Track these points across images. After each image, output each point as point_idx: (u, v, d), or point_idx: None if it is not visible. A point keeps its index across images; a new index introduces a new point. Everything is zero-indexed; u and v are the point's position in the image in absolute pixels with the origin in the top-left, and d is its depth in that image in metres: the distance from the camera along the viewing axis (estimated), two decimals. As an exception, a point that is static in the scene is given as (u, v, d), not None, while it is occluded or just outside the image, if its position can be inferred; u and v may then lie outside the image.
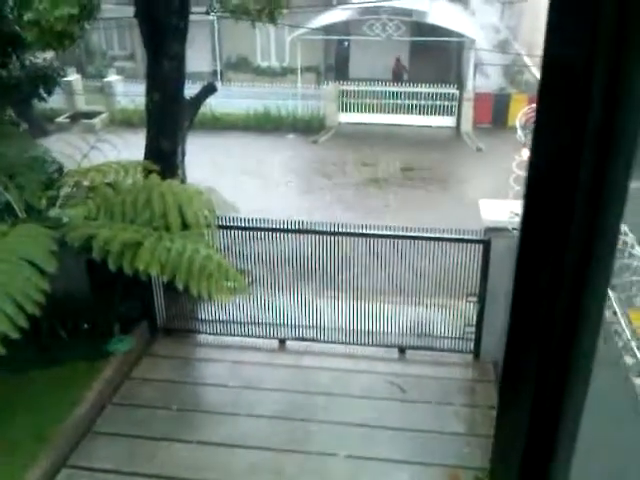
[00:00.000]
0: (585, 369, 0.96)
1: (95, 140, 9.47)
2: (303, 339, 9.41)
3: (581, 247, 0.87)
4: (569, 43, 0.80)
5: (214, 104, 19.22)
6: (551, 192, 0.86)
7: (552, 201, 0.86)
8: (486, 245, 8.47)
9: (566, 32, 0.80)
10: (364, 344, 9.27)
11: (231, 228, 9.05)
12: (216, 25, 24.75)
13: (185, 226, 8.10)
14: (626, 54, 0.77)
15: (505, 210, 8.23)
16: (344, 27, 24.10)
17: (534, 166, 0.86)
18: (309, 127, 21.83)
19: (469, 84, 22.50)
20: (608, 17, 0.75)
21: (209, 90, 11.39)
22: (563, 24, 0.80)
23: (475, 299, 8.76)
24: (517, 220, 8.02)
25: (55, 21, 7.91)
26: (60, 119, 22.03)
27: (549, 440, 1.00)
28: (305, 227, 9.03)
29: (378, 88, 22.19)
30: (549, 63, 0.83)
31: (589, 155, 0.81)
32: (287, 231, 8.99)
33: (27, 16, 8.73)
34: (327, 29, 23.25)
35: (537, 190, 0.87)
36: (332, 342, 9.33)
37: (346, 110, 22.44)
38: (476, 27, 25.21)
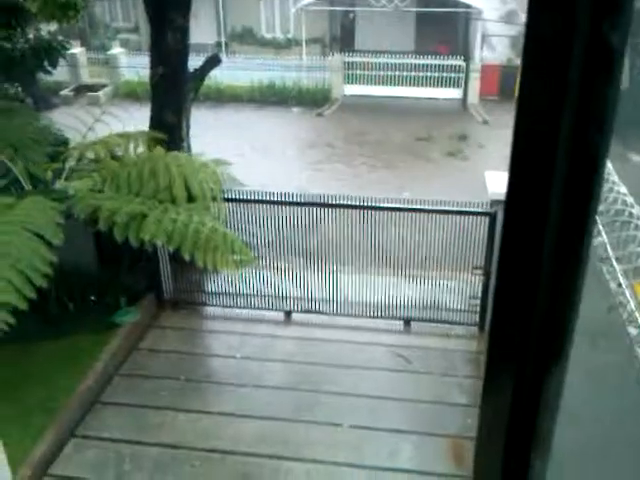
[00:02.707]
0: (567, 339, 0.97)
1: (100, 113, 9.44)
2: (308, 311, 9.46)
3: (560, 221, 0.88)
4: (550, 13, 0.80)
5: (218, 76, 19.12)
6: (531, 165, 0.86)
7: (531, 172, 0.87)
8: (492, 217, 8.45)
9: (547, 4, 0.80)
10: (369, 316, 9.32)
11: (236, 201, 9.06)
12: (220, -4, 24.50)
13: (191, 199, 8.11)
14: (604, 20, 0.77)
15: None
16: (350, -3, 23.83)
17: (517, 135, 0.87)
18: (314, 99, 21.70)
19: (476, 55, 22.28)
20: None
21: (213, 62, 11.31)
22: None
23: (481, 272, 8.77)
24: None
25: (58, -8, 7.85)
26: (64, 92, 21.96)
27: (533, 410, 1.02)
28: (309, 199, 9.01)
29: (384, 60, 21.99)
30: (531, 37, 0.83)
31: (568, 124, 0.82)
32: (291, 204, 8.98)
33: (30, -13, 8.67)
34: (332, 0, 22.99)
35: (519, 163, 0.88)
36: (337, 314, 9.38)
37: (352, 82, 22.27)
38: (483, -3, 24.85)
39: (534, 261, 0.90)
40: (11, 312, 6.19)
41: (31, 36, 14.75)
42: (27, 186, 8.40)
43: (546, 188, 0.85)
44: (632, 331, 9.24)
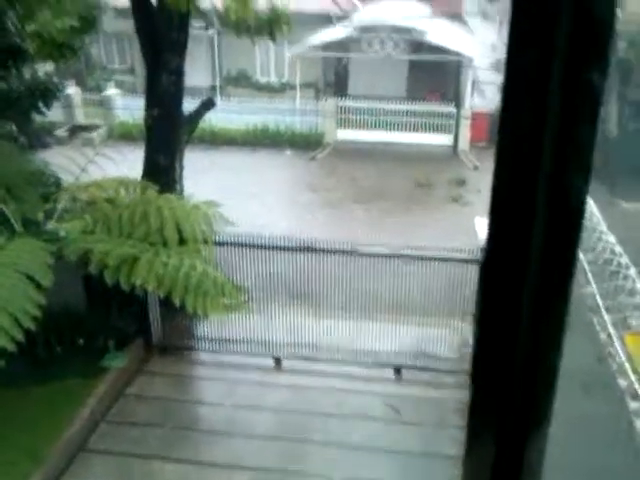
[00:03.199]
0: (550, 385, 0.96)
1: (94, 154, 9.46)
2: (299, 358, 9.35)
3: (540, 268, 0.87)
4: (529, 45, 0.81)
5: (213, 119, 19.25)
6: (512, 200, 0.85)
7: (513, 210, 0.86)
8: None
9: (526, 35, 0.81)
10: (360, 363, 9.22)
11: (228, 244, 9.02)
12: (215, 40, 24.84)
13: (182, 241, 8.07)
14: (581, 52, 0.78)
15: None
16: (343, 44, 24.19)
17: (497, 179, 0.86)
18: (307, 143, 21.86)
19: (467, 102, 22.59)
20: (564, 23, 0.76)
21: (208, 105, 11.41)
22: (523, 28, 0.81)
23: (472, 319, 8.73)
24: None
25: (57, 33, 7.93)
26: (59, 132, 22.04)
27: (516, 467, 1.00)
28: (300, 244, 9.00)
29: (376, 105, 22.25)
30: (511, 71, 0.84)
31: (548, 165, 0.81)
32: (281, 248, 8.97)
33: (29, 27, 8.75)
34: (326, 46, 23.34)
35: (500, 203, 0.87)
36: (327, 361, 9.27)
37: (344, 126, 22.49)
38: (474, 45, 25.33)
39: (514, 313, 0.89)
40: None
41: (27, 76, 14.85)
42: (18, 227, 8.34)
43: (527, 232, 0.84)
44: (622, 383, 9.18)
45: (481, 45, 26.03)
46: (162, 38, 9.81)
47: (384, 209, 16.95)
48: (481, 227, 8.75)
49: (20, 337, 6.37)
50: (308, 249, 8.93)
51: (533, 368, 0.92)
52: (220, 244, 8.83)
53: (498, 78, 25.76)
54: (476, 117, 22.06)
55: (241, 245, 9.04)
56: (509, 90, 0.85)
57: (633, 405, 8.67)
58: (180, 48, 10.06)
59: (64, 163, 9.49)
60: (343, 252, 8.93)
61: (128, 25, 11.08)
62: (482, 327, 0.94)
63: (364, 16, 24.41)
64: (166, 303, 8.14)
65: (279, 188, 18.36)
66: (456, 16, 27.33)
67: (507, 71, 0.84)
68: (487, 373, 0.98)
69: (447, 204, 17.21)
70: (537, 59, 0.80)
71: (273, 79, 26.46)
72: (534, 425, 0.97)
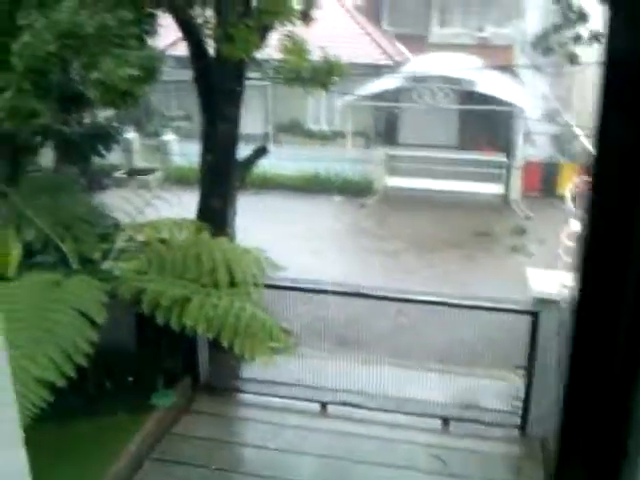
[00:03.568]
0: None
1: (150, 196, 9.73)
2: (345, 404, 9.28)
3: (634, 322, 0.88)
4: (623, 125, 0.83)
5: (266, 165, 19.64)
6: (604, 266, 0.87)
7: (605, 274, 0.87)
8: (534, 317, 8.32)
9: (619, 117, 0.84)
10: (407, 413, 9.09)
11: (277, 288, 9.11)
12: (269, 89, 25.47)
13: (232, 284, 8.20)
14: None
15: (554, 281, 8.12)
16: (394, 94, 24.53)
17: (589, 239, 0.88)
18: (357, 190, 22.06)
19: (518, 152, 22.54)
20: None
21: (261, 152, 11.67)
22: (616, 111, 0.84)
23: (523, 372, 8.55)
24: (566, 292, 7.89)
25: (119, 81, 8.28)
26: (117, 174, 22.76)
27: None
28: (349, 291, 9.04)
29: (426, 153, 22.38)
30: (602, 142, 0.86)
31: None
32: (331, 293, 9.01)
33: (93, 76, 9.17)
34: (377, 95, 23.70)
35: (592, 264, 0.88)
36: (374, 409, 9.17)
37: (394, 174, 22.64)
38: (525, 96, 25.36)
39: (606, 359, 0.89)
40: (50, 390, 6.24)
41: (87, 121, 15.46)
42: (75, 265, 8.60)
43: (621, 282, 0.85)
44: None
45: (532, 96, 26.05)
46: (219, 87, 10.13)
47: (442, 258, 16.86)
48: (533, 278, 8.63)
49: (71, 373, 6.52)
50: (357, 295, 8.94)
51: (625, 407, 0.91)
52: (269, 287, 8.92)
53: (549, 128, 25.67)
54: (528, 167, 21.98)
55: (290, 289, 9.12)
56: (602, 150, 0.86)
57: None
58: (236, 97, 10.37)
59: (121, 204, 9.79)
60: (393, 299, 8.92)
61: (186, 74, 11.48)
62: (573, 373, 0.93)
63: (415, 67, 24.78)
64: (214, 344, 8.22)
65: (330, 234, 18.50)
66: (507, 68, 27.49)
67: (599, 138, 0.86)
68: (579, 415, 0.97)
69: (509, 254, 16.89)
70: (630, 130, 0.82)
71: (324, 127, 26.91)
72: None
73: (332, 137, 26.19)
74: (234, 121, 10.47)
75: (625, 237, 0.85)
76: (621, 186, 0.84)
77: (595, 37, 17.87)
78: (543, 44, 19.05)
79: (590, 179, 0.89)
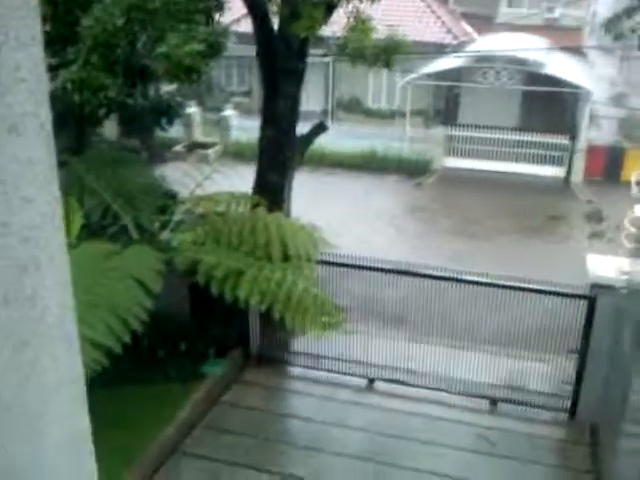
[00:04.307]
0: None
1: (209, 170, 9.91)
2: (392, 381, 9.35)
3: None
4: None
5: (324, 142, 19.67)
6: None
7: None
8: (591, 301, 8.18)
9: None
10: (455, 392, 9.10)
11: (330, 264, 9.18)
12: (331, 67, 25.41)
13: (286, 259, 8.31)
14: None
15: (613, 267, 7.95)
16: (456, 73, 24.14)
17: None
18: (414, 169, 21.89)
19: (582, 136, 21.94)
20: None
21: (320, 129, 11.69)
22: None
23: (575, 356, 8.44)
24: (626, 278, 7.73)
25: (185, 56, 8.40)
26: (177, 148, 23.17)
27: None
28: (402, 268, 9.03)
29: (486, 134, 22.01)
30: None
31: None
32: (383, 271, 9.03)
33: (159, 50, 9.34)
34: (439, 75, 23.37)
35: None
36: (422, 387, 9.21)
37: (452, 154, 22.37)
38: (593, 79, 24.59)
39: None
40: (105, 354, 6.47)
41: (152, 94, 15.76)
42: (135, 235, 8.86)
43: None
44: None
45: (600, 79, 25.23)
46: (281, 64, 10.18)
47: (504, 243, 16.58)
48: (592, 263, 8.47)
49: (128, 340, 6.74)
50: (408, 273, 8.94)
51: None
52: (322, 263, 9.00)
53: (616, 112, 24.86)
54: (592, 150, 21.39)
55: (342, 265, 9.17)
56: None
57: None
58: (298, 74, 10.39)
59: (181, 177, 10.01)
60: (444, 279, 8.88)
61: (249, 50, 11.57)
62: None
63: (480, 46, 24.28)
64: (266, 316, 8.37)
65: (386, 212, 18.44)
66: (575, 50, 26.67)
67: None
68: None
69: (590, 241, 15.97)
70: None
71: (384, 106, 26.73)
72: None
73: (391, 116, 26.01)
74: (294, 98, 10.51)
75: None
76: None
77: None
78: (614, 28, 18.43)
79: None
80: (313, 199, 16.82)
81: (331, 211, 16.86)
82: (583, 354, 8.34)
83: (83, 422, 1.70)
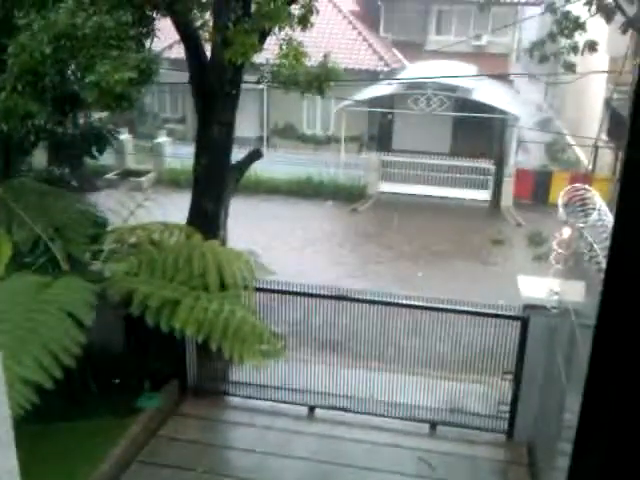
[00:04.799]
0: None
1: (142, 198, 9.75)
2: (332, 408, 9.29)
3: None
4: None
5: (259, 168, 19.66)
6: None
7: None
8: (524, 322, 8.36)
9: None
10: (394, 417, 9.12)
11: (267, 291, 9.12)
12: (265, 93, 25.52)
13: (223, 287, 8.20)
14: None
15: (544, 288, 8.15)
16: (389, 100, 24.62)
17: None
18: (350, 195, 22.09)
19: (511, 160, 22.64)
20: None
21: (255, 155, 11.68)
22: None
23: (510, 377, 8.59)
24: (556, 298, 7.93)
25: (115, 84, 8.27)
26: (109, 176, 22.72)
27: None
28: (338, 294, 9.04)
29: (420, 160, 22.46)
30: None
31: None
32: (321, 297, 9.02)
33: (89, 77, 9.17)
34: (372, 101, 23.76)
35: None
36: (362, 413, 9.19)
37: (387, 180, 22.70)
38: (520, 105, 25.49)
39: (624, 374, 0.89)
40: (36, 391, 6.22)
41: (82, 122, 15.45)
42: (64, 266, 8.59)
43: None
44: None
45: (527, 104, 26.15)
46: (215, 90, 10.14)
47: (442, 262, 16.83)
48: (524, 285, 8.66)
49: (59, 375, 6.50)
50: (345, 298, 8.95)
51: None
52: (259, 290, 8.93)
53: (542, 136, 25.80)
54: (520, 174, 22.09)
55: (279, 292, 9.12)
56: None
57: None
58: (232, 101, 10.37)
59: (113, 206, 9.81)
60: (381, 303, 8.93)
61: (182, 76, 11.49)
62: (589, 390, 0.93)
63: (411, 73, 24.86)
64: (203, 347, 8.22)
65: (321, 239, 18.49)
66: (502, 76, 27.62)
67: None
68: (593, 431, 0.97)
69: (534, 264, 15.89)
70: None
71: (319, 132, 26.97)
72: None
73: (326, 142, 26.25)
74: (229, 124, 10.48)
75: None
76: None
77: (591, 47, 18.01)
78: (539, 53, 19.15)
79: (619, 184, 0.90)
80: (249, 226, 16.75)
81: (267, 238, 16.81)
82: (518, 374, 8.49)
83: (10, 461, 1.62)
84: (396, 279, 15.33)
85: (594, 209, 6.96)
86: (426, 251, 17.63)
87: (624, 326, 0.89)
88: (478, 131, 23.97)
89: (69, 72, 11.91)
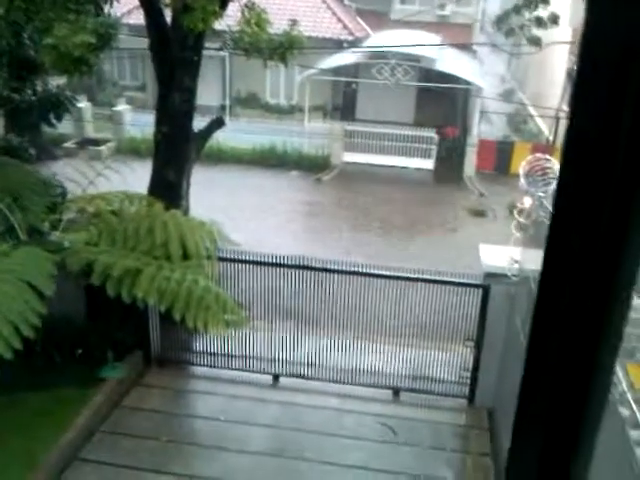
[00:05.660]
0: (596, 418, 0.98)
1: (102, 167, 9.56)
2: (297, 376, 9.36)
3: (598, 296, 0.90)
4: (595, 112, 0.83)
5: (221, 138, 19.43)
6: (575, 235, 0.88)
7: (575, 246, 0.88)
8: (485, 290, 8.49)
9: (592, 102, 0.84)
10: (358, 384, 9.23)
11: (230, 261, 9.08)
12: (227, 61, 25.14)
13: (186, 256, 8.13)
14: None
15: (505, 256, 8.27)
16: (353, 69, 24.47)
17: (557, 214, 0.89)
18: (313, 165, 22.02)
19: (474, 130, 22.77)
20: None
21: (217, 124, 11.52)
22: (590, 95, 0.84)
23: (472, 343, 8.74)
24: (516, 267, 8.06)
25: (73, 47, 8.05)
26: (68, 144, 22.24)
27: None
28: (302, 263, 9.04)
29: (383, 130, 22.44)
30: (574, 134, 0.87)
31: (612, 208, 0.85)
32: (285, 266, 9.01)
33: (46, 41, 8.90)
34: (336, 70, 23.60)
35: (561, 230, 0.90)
36: (326, 380, 9.28)
37: (351, 150, 22.66)
38: (483, 76, 25.57)
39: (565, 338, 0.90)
40: (-3, 361, 6.14)
41: (39, 88, 15.04)
42: (23, 236, 8.42)
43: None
44: (624, 412, 9.13)
45: (490, 75, 26.23)
46: (175, 57, 9.94)
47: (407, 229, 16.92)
48: (485, 253, 8.77)
49: (19, 346, 6.40)
50: (308, 268, 8.96)
51: (583, 390, 0.94)
52: (221, 260, 8.89)
53: (505, 107, 25.98)
54: (483, 145, 22.23)
55: (241, 262, 9.10)
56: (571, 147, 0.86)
57: (634, 434, 8.62)
58: (193, 68, 10.19)
59: (72, 175, 9.60)
60: (345, 272, 8.97)
61: (141, 42, 11.23)
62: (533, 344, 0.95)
63: (375, 43, 24.71)
64: (166, 317, 8.17)
65: (284, 209, 18.43)
66: (466, 46, 27.62)
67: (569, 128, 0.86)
68: (534, 394, 0.99)
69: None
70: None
71: (282, 101, 26.73)
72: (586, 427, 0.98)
73: (290, 111, 26.04)
74: (190, 92, 10.30)
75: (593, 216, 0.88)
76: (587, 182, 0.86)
77: (554, 20, 18.11)
78: (504, 25, 19.20)
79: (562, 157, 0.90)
80: (211, 196, 16.60)
81: (229, 208, 16.70)
82: (479, 341, 8.65)
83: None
84: (374, 250, 15.42)
85: (554, 179, 7.06)
86: (387, 222, 17.73)
87: (563, 291, 0.91)
88: (442, 101, 24.02)
89: (25, 36, 11.56)
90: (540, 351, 0.97)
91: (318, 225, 17.54)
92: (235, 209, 16.94)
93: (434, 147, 22.27)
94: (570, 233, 0.89)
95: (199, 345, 9.66)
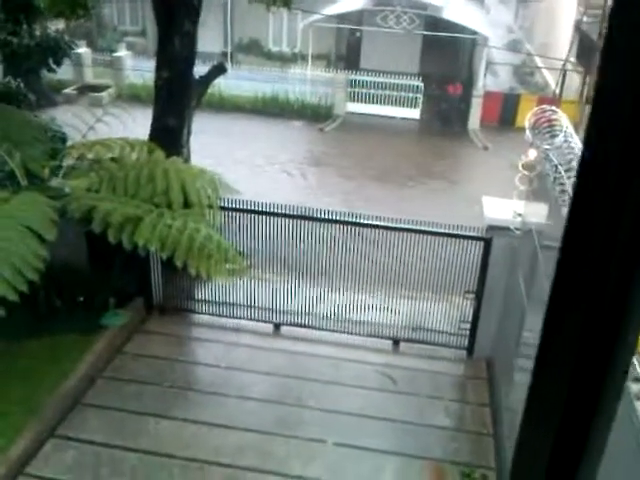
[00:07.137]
0: (612, 406, 0.96)
1: (102, 113, 9.44)
2: (298, 325, 9.42)
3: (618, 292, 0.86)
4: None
5: (223, 85, 19.18)
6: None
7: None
8: (487, 243, 8.45)
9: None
10: (359, 334, 9.29)
11: (232, 210, 9.03)
12: (229, 6, 24.65)
13: (187, 205, 8.09)
14: None
15: (508, 209, 8.22)
16: (358, 16, 23.98)
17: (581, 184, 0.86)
18: (316, 114, 21.77)
19: (479, 82, 22.44)
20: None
21: (219, 70, 11.33)
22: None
23: (472, 296, 8.76)
24: (519, 220, 8.02)
25: (70, -12, 7.87)
26: (68, 90, 21.97)
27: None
28: (304, 213, 8.98)
29: (387, 80, 22.12)
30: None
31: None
32: (287, 216, 8.96)
33: (43, -17, 8.70)
34: (341, 17, 23.13)
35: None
36: (327, 330, 9.33)
37: (355, 100, 22.37)
38: (490, 25, 25.07)
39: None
40: (1, 304, 6.16)
41: (38, 33, 14.76)
42: (23, 181, 8.36)
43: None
44: (633, 387, 9.19)
45: (497, 25, 25.72)
46: (176, 1, 9.72)
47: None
48: (488, 206, 8.71)
49: (23, 287, 6.42)
50: (310, 218, 8.91)
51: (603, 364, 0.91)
52: (224, 209, 8.84)
53: (512, 58, 25.55)
54: (488, 97, 21.95)
55: (243, 211, 9.04)
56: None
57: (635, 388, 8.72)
58: (194, 12, 9.97)
59: (72, 121, 9.48)
60: (347, 223, 8.93)
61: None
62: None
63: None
64: (168, 264, 8.17)
65: (283, 157, 18.30)
66: (473, -6, 27.04)
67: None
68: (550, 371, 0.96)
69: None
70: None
71: (285, 49, 26.29)
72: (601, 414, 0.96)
73: (292, 59, 25.62)
74: (191, 37, 10.09)
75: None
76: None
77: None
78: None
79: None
80: (212, 145, 16.47)
81: (230, 157, 16.58)
82: (480, 294, 8.66)
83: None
84: (376, 203, 15.36)
85: (560, 131, 6.95)
86: (394, 172, 17.62)
87: (588, 248, 0.86)
88: (448, 52, 23.62)
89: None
90: (558, 325, 0.93)
91: (325, 174, 17.42)
92: (234, 159, 16.81)
93: (439, 100, 21.99)
94: (595, 191, 0.85)
95: (200, 293, 9.68)
